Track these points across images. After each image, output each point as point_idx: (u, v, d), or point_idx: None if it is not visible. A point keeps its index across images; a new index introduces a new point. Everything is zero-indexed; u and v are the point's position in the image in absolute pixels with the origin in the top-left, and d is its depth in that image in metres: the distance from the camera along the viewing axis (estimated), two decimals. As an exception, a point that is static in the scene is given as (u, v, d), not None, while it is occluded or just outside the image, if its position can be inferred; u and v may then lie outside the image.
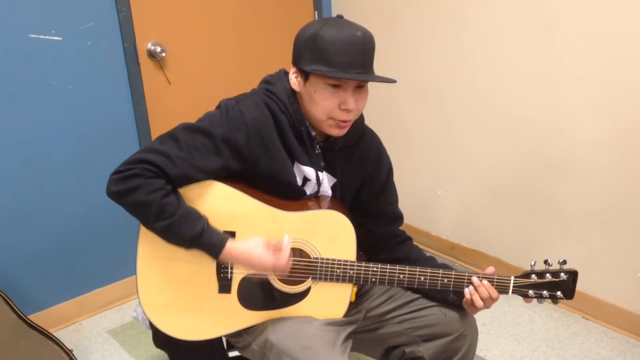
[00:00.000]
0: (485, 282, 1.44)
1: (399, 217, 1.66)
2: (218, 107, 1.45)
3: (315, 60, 1.35)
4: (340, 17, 1.40)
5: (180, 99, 2.61)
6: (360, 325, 1.58)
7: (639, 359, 2.18)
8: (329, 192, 1.53)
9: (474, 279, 1.44)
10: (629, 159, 2.19)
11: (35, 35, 2.15)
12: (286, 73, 1.48)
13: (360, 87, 1.39)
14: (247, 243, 1.39)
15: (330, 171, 1.52)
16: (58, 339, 2.06)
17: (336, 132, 1.43)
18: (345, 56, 1.33)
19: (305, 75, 1.40)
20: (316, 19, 3.00)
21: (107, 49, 2.33)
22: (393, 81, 1.37)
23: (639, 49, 2.07)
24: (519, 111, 2.46)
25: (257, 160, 1.42)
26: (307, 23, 1.42)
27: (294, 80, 1.43)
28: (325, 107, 1.38)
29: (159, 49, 2.45)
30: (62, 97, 2.26)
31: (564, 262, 1.43)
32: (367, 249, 1.63)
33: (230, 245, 1.38)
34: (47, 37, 2.17)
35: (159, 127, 2.54)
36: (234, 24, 2.72)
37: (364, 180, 1.57)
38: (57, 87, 2.24)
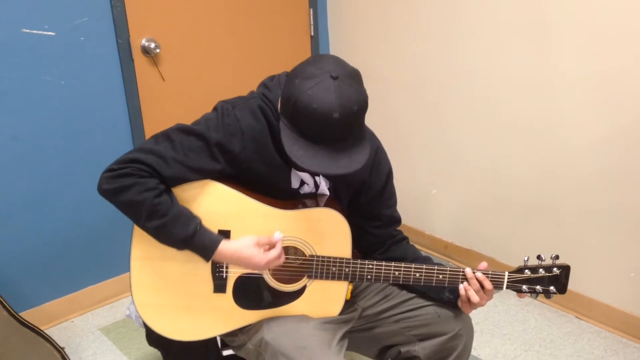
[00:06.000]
0: (478, 274, 1.43)
1: (397, 220, 1.65)
2: (215, 109, 1.43)
3: (289, 119, 1.29)
4: (334, 77, 1.25)
5: (174, 96, 2.59)
6: (355, 325, 1.57)
7: (632, 359, 2.19)
8: (327, 193, 1.53)
9: (467, 270, 1.44)
10: (622, 160, 2.19)
11: (28, 30, 2.13)
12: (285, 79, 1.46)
13: None
14: (237, 243, 1.39)
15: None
16: (50, 337, 2.04)
17: None
18: (316, 132, 1.26)
19: None
20: (311, 19, 2.99)
21: (100, 44, 2.31)
22: (358, 167, 1.29)
23: (633, 53, 2.07)
24: (513, 112, 2.47)
25: (251, 166, 1.41)
26: (304, 62, 1.33)
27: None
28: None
29: (153, 45, 2.43)
30: (55, 92, 2.24)
31: (557, 257, 1.44)
32: (363, 249, 1.63)
33: (222, 247, 1.37)
34: (40, 32, 2.15)
35: (153, 123, 2.53)
36: (229, 20, 2.70)
37: (361, 185, 1.56)
38: (50, 82, 2.22)
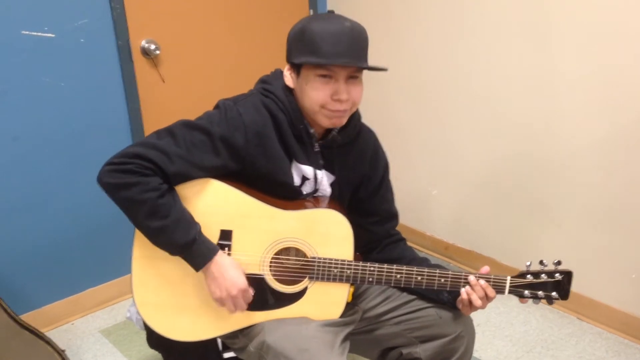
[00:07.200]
0: (482, 281, 1.43)
1: (394, 216, 1.65)
2: (216, 107, 1.44)
3: (304, 52, 1.35)
4: (331, 12, 1.41)
5: (174, 97, 2.59)
6: (357, 327, 1.56)
7: (634, 360, 2.19)
8: (328, 190, 1.52)
9: (471, 278, 1.43)
10: (622, 160, 2.19)
11: (28, 32, 2.12)
12: (283, 72, 1.47)
13: (353, 77, 1.38)
14: (228, 259, 1.39)
15: (329, 169, 1.51)
16: (50, 339, 2.04)
17: (333, 122, 1.41)
18: (333, 46, 1.33)
19: (297, 69, 1.40)
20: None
21: (100, 46, 2.31)
22: (384, 69, 1.37)
23: (633, 53, 2.07)
24: (514, 112, 2.46)
25: (255, 161, 1.41)
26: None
27: (288, 77, 1.43)
28: (317, 98, 1.37)
29: (153, 47, 2.43)
30: (55, 94, 2.24)
31: (559, 262, 1.43)
32: (360, 247, 1.62)
33: (217, 258, 1.37)
34: (40, 33, 2.15)
35: (153, 125, 2.52)
36: (229, 22, 2.70)
37: (361, 179, 1.57)
38: (50, 84, 2.21)
